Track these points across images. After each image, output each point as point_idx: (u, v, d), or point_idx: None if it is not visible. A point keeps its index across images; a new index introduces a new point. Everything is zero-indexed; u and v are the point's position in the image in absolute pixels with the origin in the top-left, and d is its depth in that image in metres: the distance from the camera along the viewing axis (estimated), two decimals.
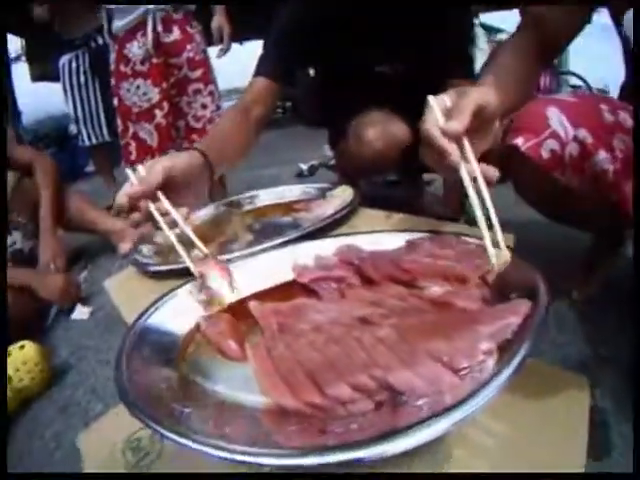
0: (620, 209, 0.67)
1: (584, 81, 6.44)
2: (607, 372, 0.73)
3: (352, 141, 1.20)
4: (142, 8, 1.40)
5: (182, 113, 1.50)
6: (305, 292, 0.63)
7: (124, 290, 0.89)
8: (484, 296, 0.52)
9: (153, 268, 0.86)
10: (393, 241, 0.70)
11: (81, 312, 1.27)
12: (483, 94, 0.56)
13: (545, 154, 0.69)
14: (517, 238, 0.76)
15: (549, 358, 0.78)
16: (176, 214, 0.61)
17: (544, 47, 0.77)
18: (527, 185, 0.83)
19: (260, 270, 0.70)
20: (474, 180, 0.54)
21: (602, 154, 0.67)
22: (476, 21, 4.10)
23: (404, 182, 1.66)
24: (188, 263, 0.61)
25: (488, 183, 0.54)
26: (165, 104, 1.45)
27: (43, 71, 6.75)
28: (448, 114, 0.56)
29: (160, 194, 0.60)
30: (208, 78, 1.51)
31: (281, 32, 1.07)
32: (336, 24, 1.07)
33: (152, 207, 0.59)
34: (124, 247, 1.56)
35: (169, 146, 1.49)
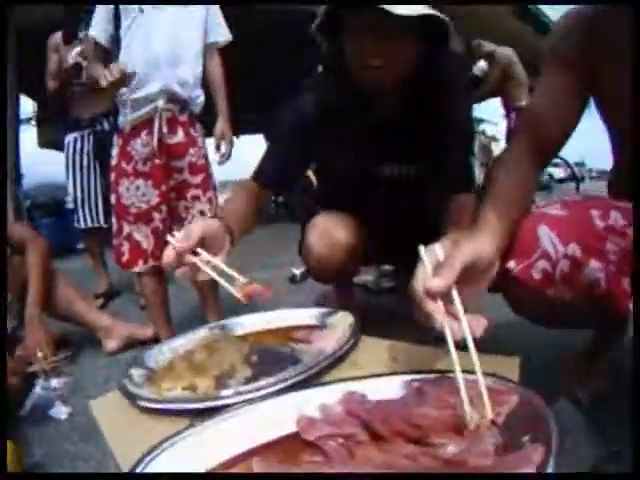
0: (617, 307, 0.69)
1: (561, 158, 6.81)
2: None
3: (301, 246, 1.23)
4: (151, 105, 1.34)
5: (179, 217, 1.41)
6: (310, 447, 0.60)
7: (113, 422, 0.83)
8: (496, 442, 0.52)
9: (144, 404, 0.80)
10: (399, 386, 0.69)
11: (60, 411, 1.18)
12: (476, 247, 0.59)
13: (536, 275, 0.73)
14: (516, 333, 0.82)
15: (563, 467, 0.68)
16: (215, 260, 0.77)
17: (541, 151, 0.82)
18: (519, 303, 0.84)
19: (261, 420, 0.67)
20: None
21: (593, 264, 0.70)
22: None
23: (398, 289, 1.68)
24: (233, 291, 0.76)
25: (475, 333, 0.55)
26: (163, 207, 1.36)
27: (51, 138, 6.87)
28: (438, 267, 0.57)
29: (199, 249, 0.75)
30: (208, 184, 1.44)
31: (280, 140, 1.13)
32: (336, 131, 1.08)
33: (195, 259, 0.75)
34: (110, 345, 1.55)
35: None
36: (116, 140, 1.38)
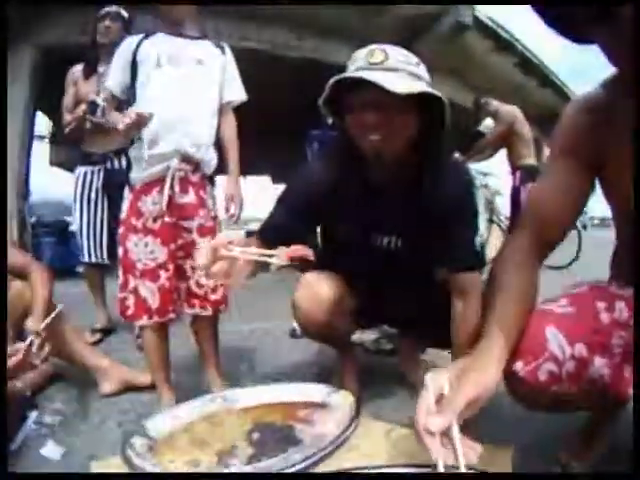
0: (619, 396, 0.72)
1: None
2: None
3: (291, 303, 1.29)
4: (164, 164, 1.36)
5: (185, 276, 1.41)
6: None
7: None
8: None
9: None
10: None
11: (52, 450, 1.13)
12: (479, 382, 0.62)
13: (542, 376, 0.73)
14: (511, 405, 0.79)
15: None
16: (249, 249, 0.88)
17: (545, 244, 0.84)
18: (522, 397, 0.84)
19: None
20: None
21: (599, 361, 0.72)
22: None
23: (398, 352, 1.68)
24: (274, 261, 0.86)
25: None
26: (171, 266, 1.37)
27: (62, 159, 6.97)
28: (441, 403, 0.61)
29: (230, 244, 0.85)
30: None
31: (285, 202, 1.20)
32: (339, 198, 1.14)
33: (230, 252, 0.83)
34: (106, 387, 1.54)
35: (169, 309, 1.36)
36: (127, 194, 1.40)
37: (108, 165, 2.39)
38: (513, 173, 3.77)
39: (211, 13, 4.38)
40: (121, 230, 1.39)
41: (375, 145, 1.01)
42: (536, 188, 0.92)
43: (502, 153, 4.05)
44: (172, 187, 1.35)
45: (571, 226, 0.86)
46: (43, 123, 7.43)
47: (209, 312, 1.42)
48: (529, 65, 7.02)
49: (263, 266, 0.99)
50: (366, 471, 0.76)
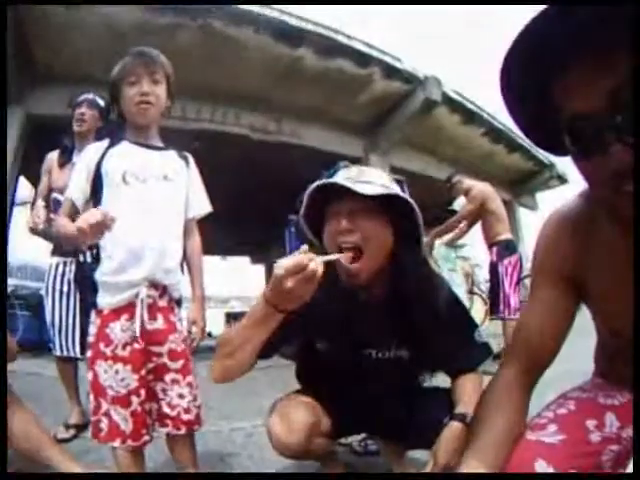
0: None
1: None
2: None
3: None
4: (133, 291, 1.37)
5: (156, 398, 1.40)
6: None
7: None
8: None
9: None
10: None
11: None
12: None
13: None
14: None
15: None
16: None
17: (533, 371, 0.82)
18: None
19: None
20: None
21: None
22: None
23: (382, 453, 1.64)
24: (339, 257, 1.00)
25: None
26: (142, 391, 1.35)
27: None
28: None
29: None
30: (187, 369, 1.43)
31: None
32: (320, 315, 1.10)
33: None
34: None
35: (143, 433, 1.35)
36: (94, 318, 1.39)
37: (80, 258, 2.36)
38: (489, 249, 3.79)
39: (191, 96, 4.60)
40: (89, 354, 1.37)
41: (352, 271, 1.06)
42: (522, 315, 0.90)
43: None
44: (142, 315, 1.35)
45: (557, 351, 0.83)
46: (26, 188, 7.44)
47: (183, 431, 1.39)
48: (496, 133, 7.37)
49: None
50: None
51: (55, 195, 2.38)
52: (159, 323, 1.40)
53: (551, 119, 0.63)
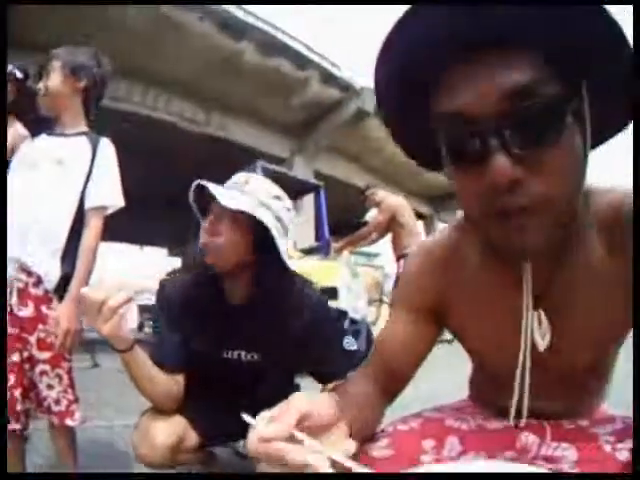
0: None
1: None
2: None
3: None
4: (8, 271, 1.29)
5: (32, 386, 1.36)
6: None
7: None
8: None
9: None
10: None
11: None
12: (309, 401, 0.53)
13: None
14: None
15: None
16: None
17: (389, 381, 0.77)
18: None
19: None
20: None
21: None
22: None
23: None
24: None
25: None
26: (12, 377, 1.30)
27: None
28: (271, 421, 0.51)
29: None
30: (58, 362, 1.36)
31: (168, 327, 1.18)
32: (193, 314, 1.16)
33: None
34: None
35: (12, 419, 1.28)
36: None
37: None
38: (397, 261, 3.85)
39: (122, 74, 4.38)
40: None
41: (210, 256, 1.10)
42: (380, 335, 0.85)
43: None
44: (10, 297, 1.30)
45: (414, 371, 0.81)
46: None
47: (57, 422, 1.35)
48: None
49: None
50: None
51: None
52: (29, 311, 1.34)
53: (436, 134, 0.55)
